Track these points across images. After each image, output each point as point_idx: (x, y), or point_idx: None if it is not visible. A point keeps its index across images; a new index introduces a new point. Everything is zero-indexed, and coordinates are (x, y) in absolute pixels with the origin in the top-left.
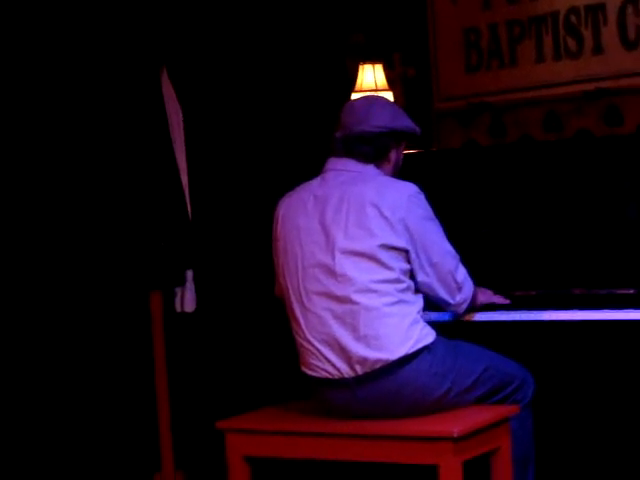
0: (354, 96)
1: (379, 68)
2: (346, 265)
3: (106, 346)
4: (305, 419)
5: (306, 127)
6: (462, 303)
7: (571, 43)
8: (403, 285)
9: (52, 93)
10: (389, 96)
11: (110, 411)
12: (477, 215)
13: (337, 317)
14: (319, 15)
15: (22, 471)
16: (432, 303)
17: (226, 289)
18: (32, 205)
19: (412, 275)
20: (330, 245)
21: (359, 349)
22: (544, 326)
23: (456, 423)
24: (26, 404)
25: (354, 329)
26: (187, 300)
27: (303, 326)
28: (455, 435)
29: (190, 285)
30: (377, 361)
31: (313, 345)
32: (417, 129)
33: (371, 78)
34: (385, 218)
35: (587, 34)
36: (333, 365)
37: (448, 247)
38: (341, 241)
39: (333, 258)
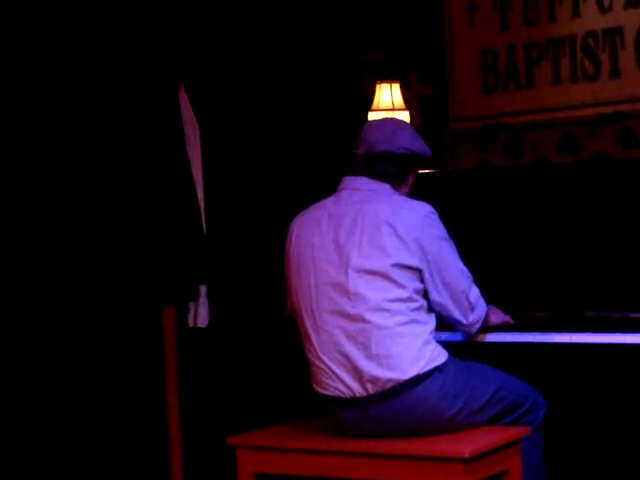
0: (371, 115)
1: (396, 87)
2: (359, 284)
3: (119, 360)
4: (316, 437)
5: (322, 144)
6: (475, 323)
7: (588, 66)
8: (416, 304)
9: (70, 108)
10: (406, 116)
11: (121, 425)
12: (491, 236)
13: (349, 335)
14: (337, 34)
15: None
16: (444, 323)
17: (239, 305)
18: (48, 218)
19: (425, 294)
20: (344, 263)
21: (371, 368)
22: (556, 348)
23: (467, 444)
24: (37, 418)
25: (366, 348)
26: (200, 315)
27: (315, 344)
28: (466, 456)
29: (204, 300)
30: (389, 381)
31: (325, 363)
32: (431, 154)
33: (388, 97)
34: (400, 237)
35: (604, 57)
36: (345, 384)
37: (462, 267)
38: (355, 260)
39: (346, 276)
